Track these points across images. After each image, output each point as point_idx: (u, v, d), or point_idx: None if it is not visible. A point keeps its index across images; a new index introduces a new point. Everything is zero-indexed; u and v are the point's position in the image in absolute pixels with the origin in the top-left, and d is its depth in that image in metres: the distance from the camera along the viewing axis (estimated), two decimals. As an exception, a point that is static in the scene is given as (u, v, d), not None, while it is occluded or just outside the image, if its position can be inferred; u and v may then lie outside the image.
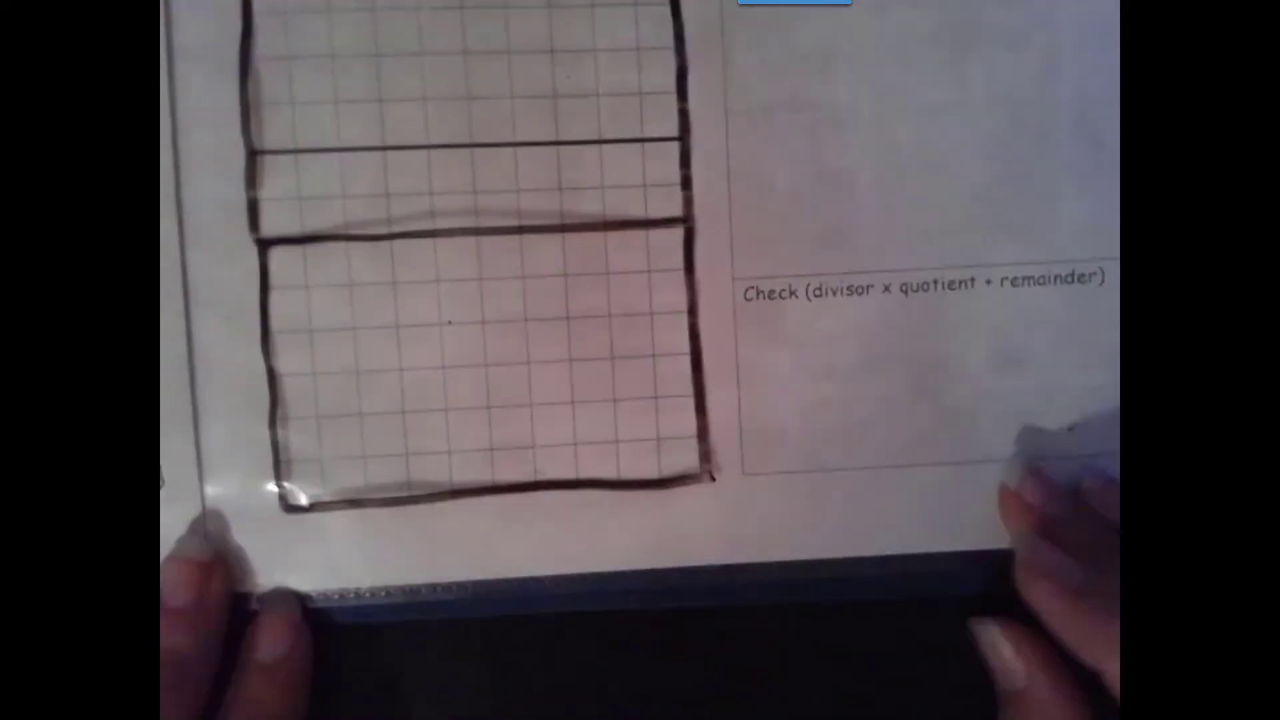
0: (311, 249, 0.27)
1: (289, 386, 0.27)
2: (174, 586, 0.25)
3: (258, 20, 0.27)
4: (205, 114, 0.27)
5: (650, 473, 0.28)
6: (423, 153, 0.27)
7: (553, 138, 0.27)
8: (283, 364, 0.27)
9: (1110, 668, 0.23)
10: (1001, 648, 0.26)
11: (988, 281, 0.28)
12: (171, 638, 0.25)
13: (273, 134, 0.27)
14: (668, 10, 0.27)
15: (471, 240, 0.27)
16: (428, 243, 0.27)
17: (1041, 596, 0.25)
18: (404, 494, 0.27)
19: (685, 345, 0.28)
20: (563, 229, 0.28)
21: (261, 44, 0.27)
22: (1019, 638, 0.26)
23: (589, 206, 0.28)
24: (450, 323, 0.27)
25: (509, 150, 0.27)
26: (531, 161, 0.27)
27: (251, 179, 0.27)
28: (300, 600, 0.27)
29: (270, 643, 0.26)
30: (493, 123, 0.27)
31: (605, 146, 0.28)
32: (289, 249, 0.27)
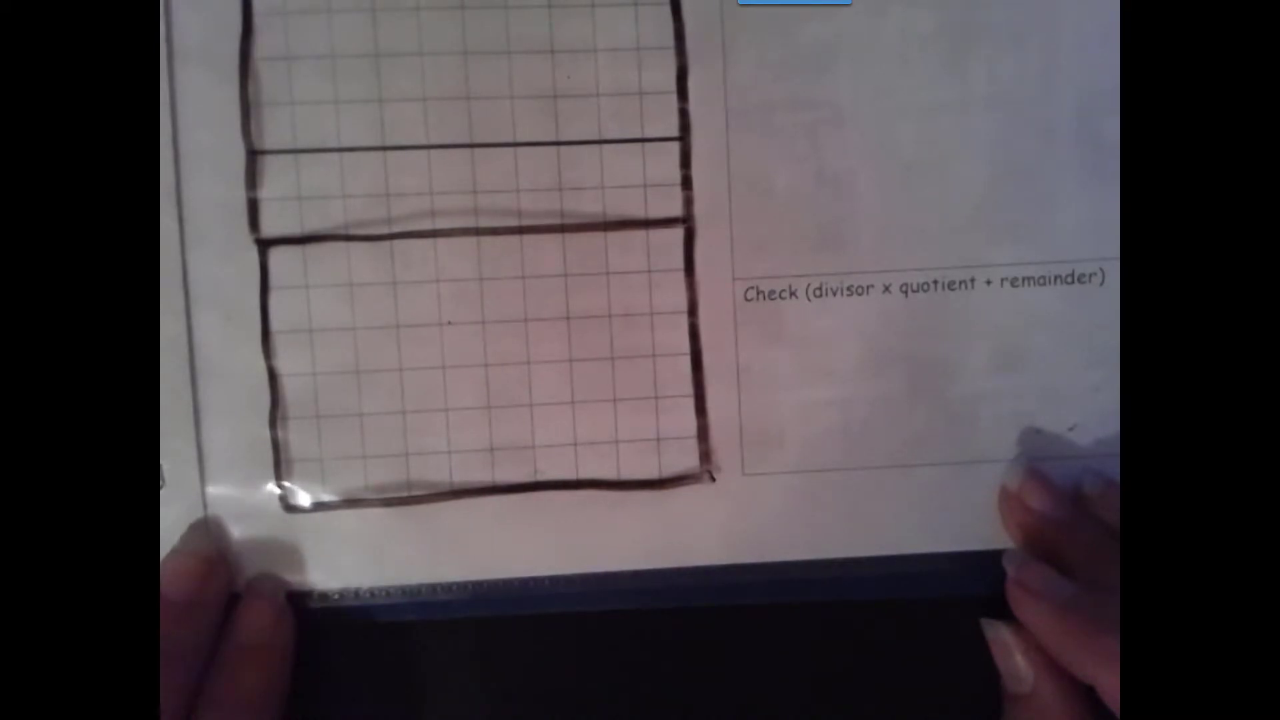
0: (311, 249, 0.27)
1: (289, 386, 0.27)
2: (176, 581, 0.25)
3: (258, 20, 0.27)
4: (205, 114, 0.27)
5: (650, 473, 0.28)
6: (423, 153, 0.27)
7: (553, 138, 0.27)
8: (283, 364, 0.27)
9: (1103, 682, 0.23)
10: (1011, 649, 0.26)
11: (988, 282, 0.28)
12: (171, 632, 0.25)
13: (272, 134, 0.27)
14: (668, 10, 0.27)
15: (471, 240, 0.27)
16: (428, 242, 0.27)
17: (1031, 614, 0.26)
18: (404, 494, 0.27)
19: (685, 345, 0.28)
20: (563, 229, 0.28)
21: (261, 44, 0.27)
22: (1028, 641, 0.26)
23: (589, 206, 0.28)
24: (450, 323, 0.27)
25: (509, 150, 0.27)
26: (531, 161, 0.27)
27: (251, 179, 0.27)
28: (284, 585, 0.27)
29: (254, 625, 0.26)
30: (493, 123, 0.27)
31: (605, 146, 0.28)
32: (289, 249, 0.27)
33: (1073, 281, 0.28)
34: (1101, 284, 0.28)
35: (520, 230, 0.27)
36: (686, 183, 0.28)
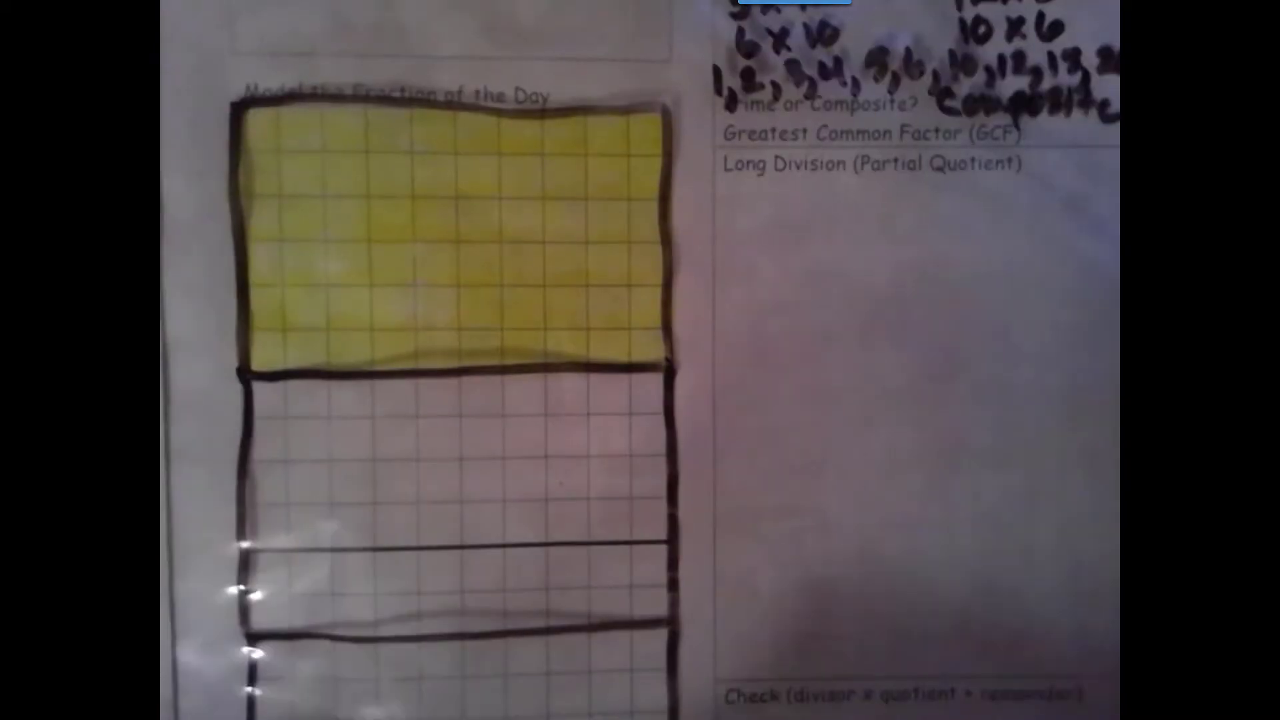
0: (299, 644, 0.28)
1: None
2: None
3: (258, 424, 0.27)
4: (201, 511, 0.27)
5: None
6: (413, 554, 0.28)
7: (542, 539, 0.28)
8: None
9: None
10: None
11: (968, 693, 0.29)
12: None
13: (266, 530, 0.27)
14: (661, 420, 0.28)
15: (456, 645, 0.28)
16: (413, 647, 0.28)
17: None
18: None
19: (666, 746, 0.28)
20: (548, 630, 0.28)
21: (260, 448, 0.27)
22: None
23: (575, 606, 0.28)
24: (432, 720, 0.28)
25: (498, 551, 0.28)
26: (520, 562, 0.28)
27: (244, 577, 0.27)
28: None
29: None
30: (483, 524, 0.28)
31: (593, 549, 0.28)
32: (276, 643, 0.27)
33: (1050, 698, 0.29)
34: (1080, 700, 0.29)
35: (505, 634, 0.28)
36: (673, 585, 0.28)
